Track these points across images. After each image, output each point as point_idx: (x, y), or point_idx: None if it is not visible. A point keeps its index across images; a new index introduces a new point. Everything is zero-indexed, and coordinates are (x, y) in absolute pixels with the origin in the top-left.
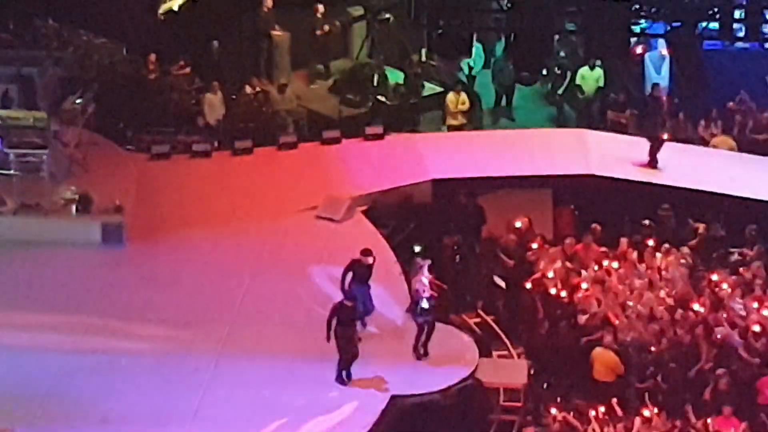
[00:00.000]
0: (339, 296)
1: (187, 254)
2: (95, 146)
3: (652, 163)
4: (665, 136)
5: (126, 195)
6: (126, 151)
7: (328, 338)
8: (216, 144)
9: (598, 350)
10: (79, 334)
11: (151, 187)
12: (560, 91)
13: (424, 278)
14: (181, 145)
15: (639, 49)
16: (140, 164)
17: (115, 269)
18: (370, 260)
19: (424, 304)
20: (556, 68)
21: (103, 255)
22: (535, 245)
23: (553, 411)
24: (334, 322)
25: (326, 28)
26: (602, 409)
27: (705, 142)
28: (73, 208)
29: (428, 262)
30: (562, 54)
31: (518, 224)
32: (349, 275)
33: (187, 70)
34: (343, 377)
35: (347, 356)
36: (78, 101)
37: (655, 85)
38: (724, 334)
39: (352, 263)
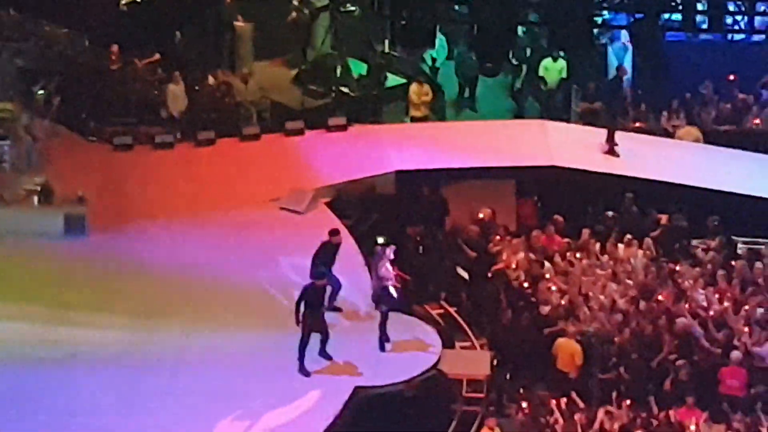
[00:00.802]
0: (302, 286)
1: (150, 245)
2: (58, 137)
3: (611, 149)
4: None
5: (88, 186)
6: (88, 142)
7: (297, 321)
8: (179, 135)
9: (561, 340)
10: (41, 324)
11: (114, 178)
12: (518, 84)
13: (389, 265)
14: (144, 136)
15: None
16: (103, 155)
17: (78, 260)
18: (338, 240)
19: (392, 291)
20: (518, 60)
21: (66, 246)
22: (497, 237)
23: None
24: (302, 305)
25: (293, 15)
26: (564, 400)
27: (668, 133)
28: (35, 198)
29: (392, 248)
30: (524, 45)
31: (481, 215)
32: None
33: (156, 56)
34: (305, 368)
35: (324, 338)
36: (40, 92)
37: (620, 67)
38: (685, 324)
39: (322, 245)
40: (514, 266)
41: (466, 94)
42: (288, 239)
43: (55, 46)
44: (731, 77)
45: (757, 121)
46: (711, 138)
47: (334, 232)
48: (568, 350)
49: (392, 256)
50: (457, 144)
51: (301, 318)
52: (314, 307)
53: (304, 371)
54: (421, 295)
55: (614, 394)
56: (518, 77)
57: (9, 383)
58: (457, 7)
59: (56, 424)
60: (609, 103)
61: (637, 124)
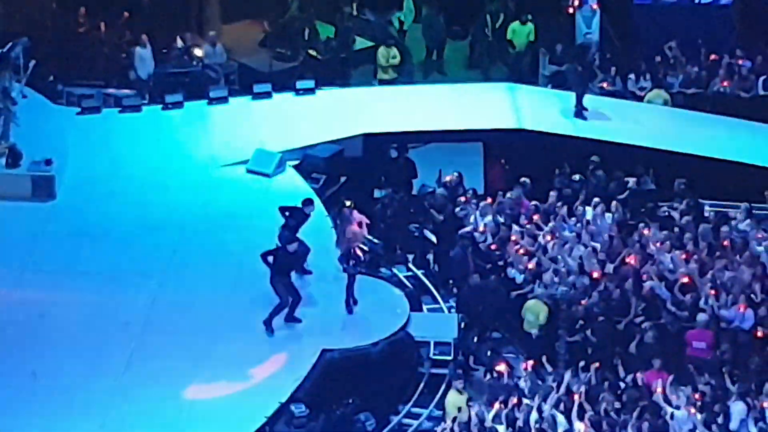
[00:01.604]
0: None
1: (118, 208)
2: (25, 99)
3: (579, 113)
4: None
5: (56, 149)
6: (56, 105)
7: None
8: (147, 98)
9: (530, 302)
10: (9, 287)
11: (82, 141)
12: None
13: (356, 227)
14: (112, 99)
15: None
16: (70, 118)
17: (46, 223)
18: (310, 210)
19: (359, 253)
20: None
21: (34, 208)
22: (464, 200)
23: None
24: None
25: None
26: (531, 362)
27: (636, 97)
28: (3, 161)
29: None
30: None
31: (448, 178)
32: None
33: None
34: (271, 324)
35: (295, 302)
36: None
37: (587, 35)
38: (652, 287)
39: (293, 211)
40: (481, 229)
41: (434, 57)
42: (255, 202)
43: (23, 8)
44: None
45: (725, 83)
46: (678, 101)
47: (308, 202)
48: (534, 311)
49: (360, 219)
50: (425, 107)
51: (272, 284)
52: (284, 272)
53: (269, 329)
54: (388, 258)
55: (581, 357)
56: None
57: None
58: None
59: (22, 385)
60: (577, 66)
61: (605, 85)
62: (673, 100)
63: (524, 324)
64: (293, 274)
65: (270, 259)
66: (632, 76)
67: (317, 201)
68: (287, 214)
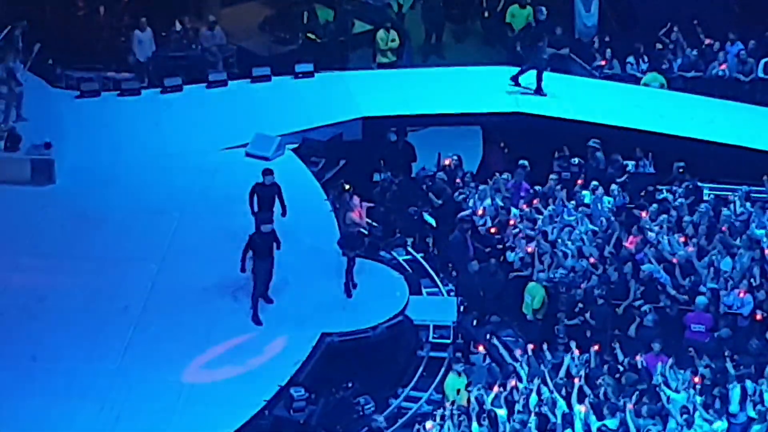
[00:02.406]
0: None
1: (117, 191)
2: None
3: (539, 89)
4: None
5: (55, 132)
6: (55, 88)
7: (243, 269)
8: (146, 81)
9: (529, 285)
10: (8, 271)
11: (81, 125)
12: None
13: (356, 211)
14: (111, 83)
15: None
16: (69, 102)
17: (45, 207)
18: (270, 180)
19: (358, 237)
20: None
21: (33, 193)
22: (463, 183)
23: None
24: (249, 253)
25: None
26: (531, 346)
27: (634, 80)
28: (2, 145)
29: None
30: None
31: (447, 162)
32: (255, 200)
33: None
34: (258, 316)
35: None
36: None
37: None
38: (651, 270)
39: (255, 187)
40: (480, 213)
41: (433, 40)
42: None
43: None
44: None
45: (724, 66)
46: (676, 84)
47: (267, 172)
48: (531, 294)
49: (359, 203)
50: (423, 90)
51: (250, 267)
52: (263, 255)
53: (256, 320)
54: (388, 242)
55: (581, 340)
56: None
57: None
58: None
59: (21, 369)
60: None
61: (602, 63)
62: (672, 84)
63: (523, 306)
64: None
65: (250, 250)
66: (631, 59)
67: (317, 185)
68: (256, 193)
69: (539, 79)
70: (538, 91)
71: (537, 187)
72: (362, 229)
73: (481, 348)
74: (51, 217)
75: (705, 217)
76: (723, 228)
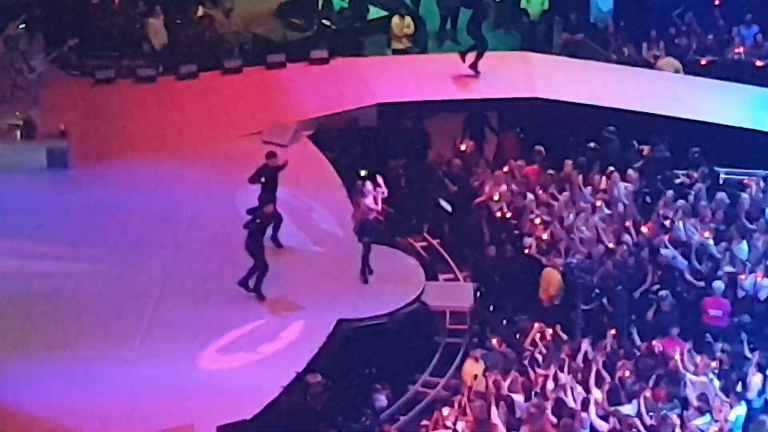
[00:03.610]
0: (285, 216)
1: (132, 178)
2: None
3: (474, 67)
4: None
5: (71, 120)
6: (70, 76)
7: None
8: (161, 68)
9: (547, 270)
10: (24, 258)
11: (96, 112)
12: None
13: (372, 197)
14: (126, 70)
15: None
16: (85, 89)
17: (61, 194)
18: (274, 162)
19: (374, 223)
20: None
21: (49, 180)
22: (480, 169)
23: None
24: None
25: None
26: (550, 331)
27: (649, 64)
28: (18, 133)
29: (374, 184)
30: None
31: (463, 147)
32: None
33: None
34: (248, 284)
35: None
36: (21, 26)
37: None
38: (668, 255)
39: (259, 169)
40: (496, 198)
41: (448, 26)
42: None
43: None
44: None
45: (740, 50)
46: (691, 69)
47: (270, 155)
48: (547, 279)
49: (375, 190)
50: (438, 76)
51: (247, 249)
52: (256, 234)
53: (260, 295)
54: (404, 228)
55: (598, 326)
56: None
57: None
58: None
59: (39, 357)
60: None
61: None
62: (688, 68)
63: (540, 292)
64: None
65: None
66: (645, 44)
67: (332, 171)
68: (259, 178)
69: (477, 57)
70: (473, 68)
71: (553, 173)
72: (378, 216)
73: (497, 334)
74: (67, 205)
75: (722, 201)
76: (741, 212)
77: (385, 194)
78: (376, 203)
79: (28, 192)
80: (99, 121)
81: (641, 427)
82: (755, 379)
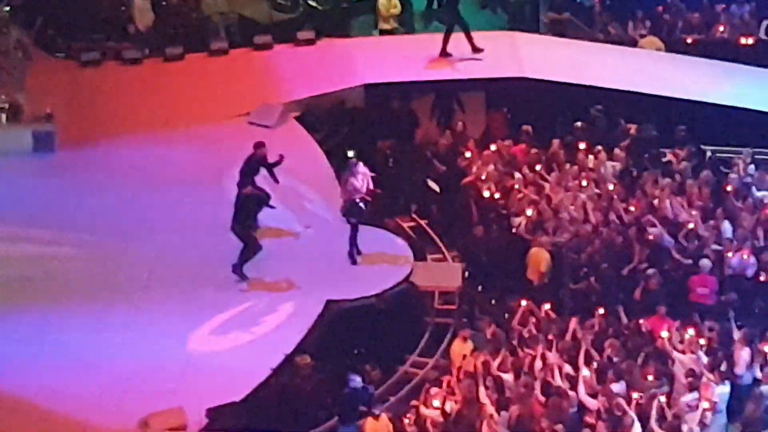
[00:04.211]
0: (272, 197)
1: (119, 161)
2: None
3: (443, 54)
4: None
5: (57, 103)
6: (56, 59)
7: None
8: (147, 51)
9: (534, 249)
10: (11, 242)
11: (82, 95)
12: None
13: (360, 177)
14: (112, 52)
15: None
16: (71, 72)
17: (47, 177)
18: (262, 152)
19: (361, 204)
20: None
21: (35, 163)
22: (467, 149)
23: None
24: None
25: None
26: (545, 308)
27: (635, 43)
28: (3, 116)
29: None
30: None
31: (455, 127)
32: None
33: None
34: (242, 270)
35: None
36: (6, 9)
37: None
38: (656, 234)
39: (248, 159)
40: (484, 178)
41: (435, 5)
42: None
43: None
44: None
45: (724, 29)
46: (678, 47)
47: (258, 145)
48: (537, 259)
49: (364, 171)
50: (426, 56)
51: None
52: (241, 218)
53: (241, 275)
54: (392, 208)
55: (586, 304)
56: None
57: None
58: None
59: (28, 341)
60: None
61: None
62: (673, 47)
63: (528, 272)
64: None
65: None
66: (631, 22)
67: (320, 152)
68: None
69: (446, 40)
70: (443, 52)
71: (540, 152)
72: (365, 197)
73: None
74: (53, 188)
75: (709, 179)
76: (728, 189)
77: (371, 186)
78: (364, 184)
79: (14, 175)
80: (85, 104)
81: (630, 405)
82: (743, 355)
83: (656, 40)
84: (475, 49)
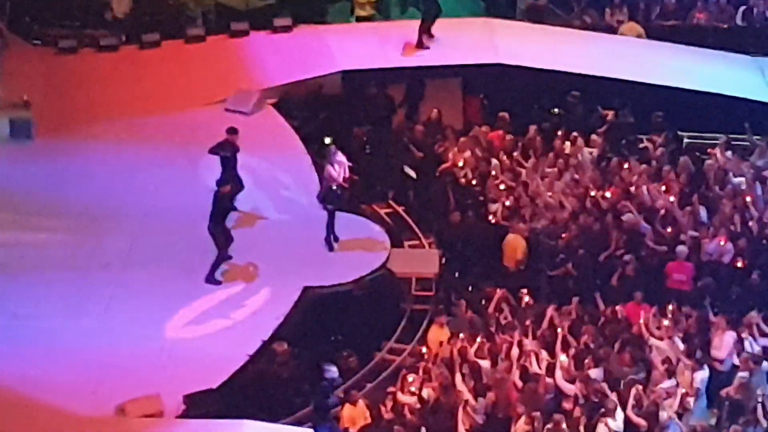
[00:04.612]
0: (250, 184)
1: (96, 148)
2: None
3: (420, 44)
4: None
5: (34, 90)
6: (33, 46)
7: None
8: (123, 38)
9: (509, 236)
10: None
11: (59, 82)
12: None
13: (337, 164)
14: (89, 39)
15: None
16: (47, 59)
17: (24, 164)
18: (234, 138)
19: (338, 191)
20: None
21: (12, 150)
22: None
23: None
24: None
25: None
26: (525, 296)
27: (612, 29)
28: None
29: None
30: None
31: (431, 114)
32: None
33: None
34: (216, 277)
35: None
36: None
37: None
38: (632, 220)
39: (219, 144)
40: (461, 164)
41: None
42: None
43: None
44: None
45: (701, 15)
46: (654, 33)
47: (231, 131)
48: (513, 246)
49: (341, 158)
50: (402, 43)
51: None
52: (220, 217)
53: (213, 281)
54: (369, 195)
55: (563, 291)
56: None
57: None
58: None
59: (3, 328)
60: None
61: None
62: (650, 33)
63: (504, 259)
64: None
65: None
66: (608, 8)
67: (296, 139)
68: (217, 152)
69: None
70: (419, 44)
71: (517, 139)
72: (342, 184)
73: (463, 300)
74: (30, 175)
75: (686, 166)
76: (705, 176)
77: (347, 174)
78: (340, 171)
79: None
80: (62, 91)
81: (607, 391)
82: (726, 340)
83: (637, 26)
84: (422, 45)
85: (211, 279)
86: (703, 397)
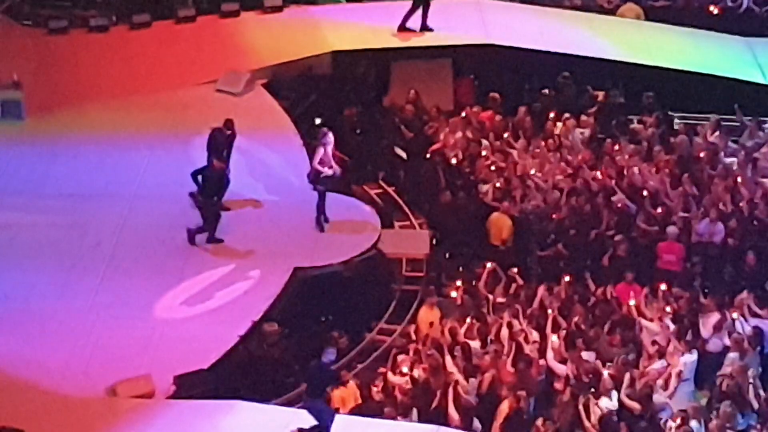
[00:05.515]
0: (240, 165)
1: (87, 128)
2: None
3: (402, 27)
4: None
5: (24, 70)
6: (23, 26)
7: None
8: (114, 18)
9: (494, 215)
10: None
11: (50, 62)
12: None
13: (328, 147)
14: (79, 20)
15: None
16: (38, 39)
17: (15, 144)
18: (229, 126)
19: (328, 172)
20: None
21: (2, 130)
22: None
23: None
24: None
25: None
26: (515, 275)
27: (603, 10)
28: None
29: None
30: None
31: (410, 95)
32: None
33: None
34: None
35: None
36: None
37: None
38: (622, 201)
39: (214, 133)
40: (451, 145)
41: None
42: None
43: None
44: None
45: None
46: (648, 14)
47: (228, 123)
48: (498, 224)
49: (330, 140)
50: (393, 23)
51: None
52: (211, 194)
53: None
54: (359, 175)
55: (554, 271)
56: None
57: None
58: None
59: None
60: None
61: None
62: (646, 14)
63: (490, 238)
64: None
65: (200, 179)
66: None
67: (287, 119)
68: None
69: (409, 14)
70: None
71: (507, 119)
72: (328, 167)
73: (454, 281)
74: (21, 155)
75: (676, 146)
76: (698, 156)
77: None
78: (330, 154)
79: None
80: (53, 72)
81: (602, 370)
82: (709, 323)
83: (636, 7)
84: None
85: (212, 239)
86: (691, 380)
